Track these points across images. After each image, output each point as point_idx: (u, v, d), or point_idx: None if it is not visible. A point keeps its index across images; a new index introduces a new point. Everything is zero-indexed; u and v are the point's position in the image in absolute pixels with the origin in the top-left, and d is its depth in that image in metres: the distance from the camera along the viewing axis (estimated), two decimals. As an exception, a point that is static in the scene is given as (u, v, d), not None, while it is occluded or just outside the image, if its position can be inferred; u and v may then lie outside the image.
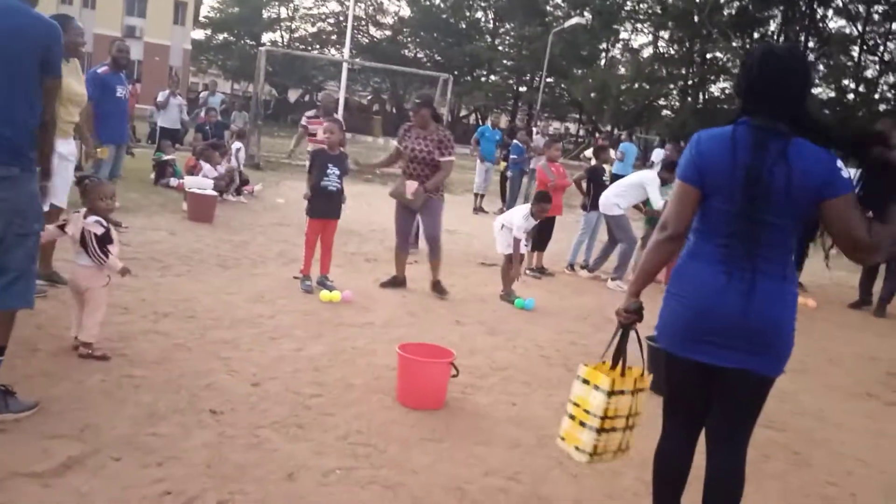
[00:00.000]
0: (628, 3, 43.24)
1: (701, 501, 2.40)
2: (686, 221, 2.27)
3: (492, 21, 49.25)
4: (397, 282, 6.18)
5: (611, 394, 2.39)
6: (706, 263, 2.25)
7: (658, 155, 15.96)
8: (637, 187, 7.61)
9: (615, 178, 15.77)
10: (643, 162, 18.59)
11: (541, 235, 7.52)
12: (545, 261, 7.84)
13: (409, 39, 50.19)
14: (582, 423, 2.43)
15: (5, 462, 2.57)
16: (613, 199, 7.61)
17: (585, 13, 34.80)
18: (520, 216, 6.25)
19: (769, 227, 2.19)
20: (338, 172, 5.71)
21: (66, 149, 5.04)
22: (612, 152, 14.50)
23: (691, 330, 2.27)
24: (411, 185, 5.86)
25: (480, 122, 40.15)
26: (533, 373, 4.44)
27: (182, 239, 7.01)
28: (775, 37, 37.98)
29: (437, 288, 6.15)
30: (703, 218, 2.28)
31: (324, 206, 5.70)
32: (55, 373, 3.41)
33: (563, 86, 44.49)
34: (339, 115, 15.22)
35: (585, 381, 2.45)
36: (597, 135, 25.62)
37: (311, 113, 8.81)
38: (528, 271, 7.48)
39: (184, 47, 40.21)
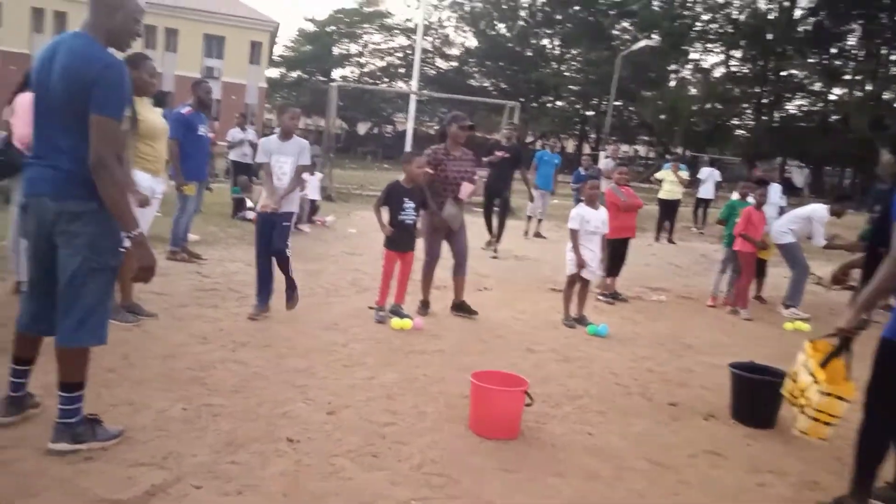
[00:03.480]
0: (697, 24, 42.62)
1: None
2: None
3: (557, 48, 49.34)
4: (428, 306, 6.13)
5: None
6: None
7: (703, 173, 15.44)
8: (806, 220, 7.43)
9: (699, 202, 15.41)
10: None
11: (614, 260, 7.36)
12: (618, 286, 7.66)
13: (475, 69, 50.80)
14: (827, 424, 3.18)
15: (93, 490, 2.66)
16: (786, 226, 7.49)
17: (654, 36, 34.31)
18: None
19: None
20: (413, 206, 5.73)
21: (158, 187, 5.20)
22: (684, 173, 14.12)
23: None
24: (467, 188, 5.98)
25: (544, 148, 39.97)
26: (609, 401, 4.32)
27: (258, 270, 7.18)
28: (854, 52, 36.61)
29: (464, 308, 6.12)
30: None
31: (401, 239, 5.72)
32: (139, 402, 3.52)
33: (631, 108, 44.04)
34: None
35: (827, 394, 3.09)
36: (667, 156, 25.02)
37: None
38: (600, 297, 7.33)
39: (259, 85, 41.87)
